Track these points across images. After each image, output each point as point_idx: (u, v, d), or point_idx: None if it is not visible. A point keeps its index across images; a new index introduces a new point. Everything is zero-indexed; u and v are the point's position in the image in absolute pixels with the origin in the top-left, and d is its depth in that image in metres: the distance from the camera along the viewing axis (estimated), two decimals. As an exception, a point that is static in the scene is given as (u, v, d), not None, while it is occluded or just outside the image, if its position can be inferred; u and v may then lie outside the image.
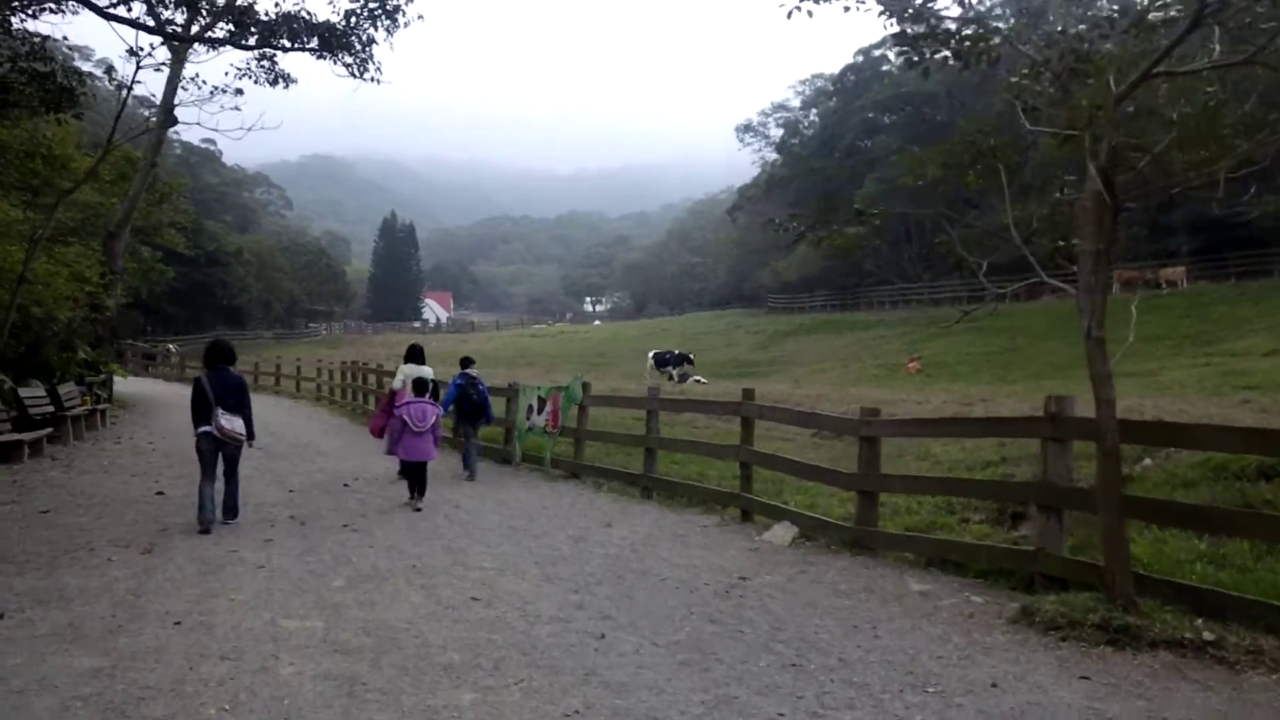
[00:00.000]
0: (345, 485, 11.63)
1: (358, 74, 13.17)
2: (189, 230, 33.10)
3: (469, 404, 12.56)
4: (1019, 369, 31.11)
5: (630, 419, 17.24)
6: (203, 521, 8.47)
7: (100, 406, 18.25)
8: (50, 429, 14.03)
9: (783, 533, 8.91)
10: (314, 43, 12.65)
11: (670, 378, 33.44)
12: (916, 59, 7.12)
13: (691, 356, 36.66)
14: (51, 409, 15.18)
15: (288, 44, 12.76)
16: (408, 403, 10.48)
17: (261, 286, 70.71)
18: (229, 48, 14.38)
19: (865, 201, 6.98)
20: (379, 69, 13.29)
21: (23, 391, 14.44)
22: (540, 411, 13.64)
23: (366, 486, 11.67)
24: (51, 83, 14.59)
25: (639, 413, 17.12)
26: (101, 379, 20.59)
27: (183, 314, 61.39)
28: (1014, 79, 7.35)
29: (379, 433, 12.65)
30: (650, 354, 37.48)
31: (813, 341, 50.06)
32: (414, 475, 10.26)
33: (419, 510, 9.84)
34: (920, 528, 9.06)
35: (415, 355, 13.23)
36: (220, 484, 8.93)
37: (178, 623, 5.51)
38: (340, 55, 12.75)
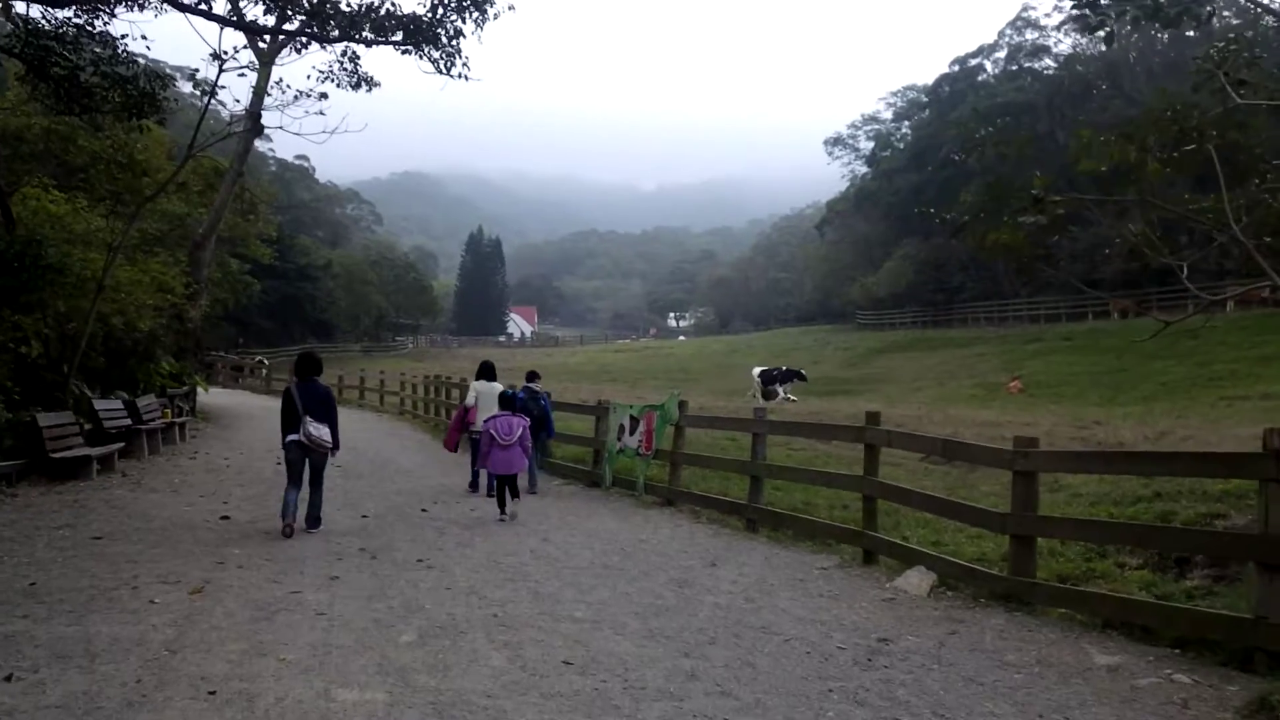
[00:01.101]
0: (423, 510, 10.71)
1: (444, 69, 12.36)
2: (276, 242, 33.09)
3: (530, 417, 11.78)
4: (1130, 390, 29.33)
5: (724, 440, 16.08)
6: (286, 526, 8.82)
7: (180, 420, 17.85)
8: (123, 444, 13.51)
9: (918, 580, 7.63)
10: (399, 35, 11.88)
11: (778, 396, 31.79)
12: (1096, 22, 5.83)
13: (803, 372, 34.73)
14: (129, 422, 14.73)
15: (371, 36, 12.02)
16: (493, 417, 10.40)
17: (350, 300, 71.50)
18: (312, 46, 13.77)
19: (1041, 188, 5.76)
20: (466, 64, 12.48)
21: (99, 404, 14.00)
22: (632, 432, 12.57)
23: (446, 512, 10.73)
24: (133, 87, 14.17)
25: (734, 434, 16.08)
26: (184, 391, 20.30)
27: (273, 326, 62.27)
28: (1214, 48, 6.02)
29: (453, 447, 13.32)
30: (755, 370, 35.69)
31: (905, 359, 48.35)
32: (502, 488, 10.25)
33: (504, 520, 9.97)
34: (1074, 576, 7.69)
35: (486, 372, 13.20)
36: (305, 492, 9.11)
37: (212, 692, 4.53)
38: (426, 49, 11.96)
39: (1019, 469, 7.02)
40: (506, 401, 10.95)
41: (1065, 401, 27.43)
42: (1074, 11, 5.63)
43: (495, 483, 10.45)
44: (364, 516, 10.06)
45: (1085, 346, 40.50)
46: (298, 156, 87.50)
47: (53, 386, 14.23)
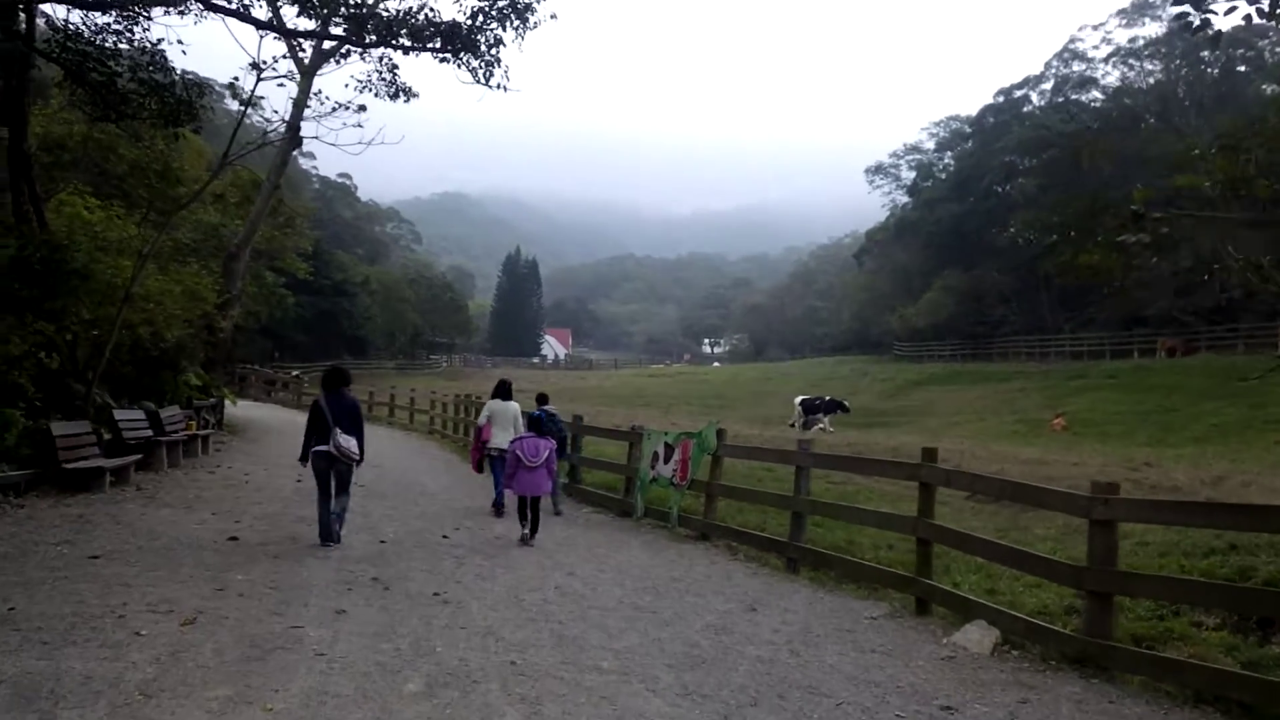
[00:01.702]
0: (444, 537, 10.14)
1: (483, 80, 11.95)
2: (313, 257, 32.93)
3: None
4: (1180, 430, 28.32)
5: (759, 470, 15.40)
6: (325, 537, 9.15)
7: (205, 432, 17.48)
8: (140, 455, 13.09)
9: (979, 636, 6.91)
10: (437, 42, 11.48)
11: (818, 426, 31.09)
12: (1197, 23, 5.19)
13: (846, 403, 33.99)
14: (150, 433, 14.35)
15: (408, 43, 11.63)
16: (520, 439, 10.32)
17: (386, 317, 71.61)
18: (351, 57, 13.44)
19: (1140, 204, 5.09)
20: (506, 74, 12.05)
21: (120, 414, 13.63)
22: (667, 460, 11.93)
23: (469, 539, 10.16)
24: (170, 95, 13.94)
25: (770, 465, 15.35)
26: (211, 403, 19.98)
27: (309, 341, 62.35)
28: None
29: (478, 467, 13.31)
30: (797, 400, 34.99)
31: (944, 392, 47.34)
32: (525, 508, 10.16)
33: (525, 543, 9.88)
34: (1150, 637, 6.95)
35: (502, 391, 13.07)
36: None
37: (183, 750, 3.98)
38: (465, 57, 11.54)
39: (1097, 517, 6.31)
40: (535, 423, 10.77)
41: (1111, 441, 26.58)
42: (1174, 9, 4.99)
43: (519, 503, 10.31)
44: (382, 541, 9.50)
45: (1131, 385, 39.45)
46: (340, 174, 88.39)
47: (75, 395, 13.90)
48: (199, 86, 13.56)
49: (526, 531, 10.08)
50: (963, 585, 8.37)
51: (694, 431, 11.79)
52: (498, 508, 12.15)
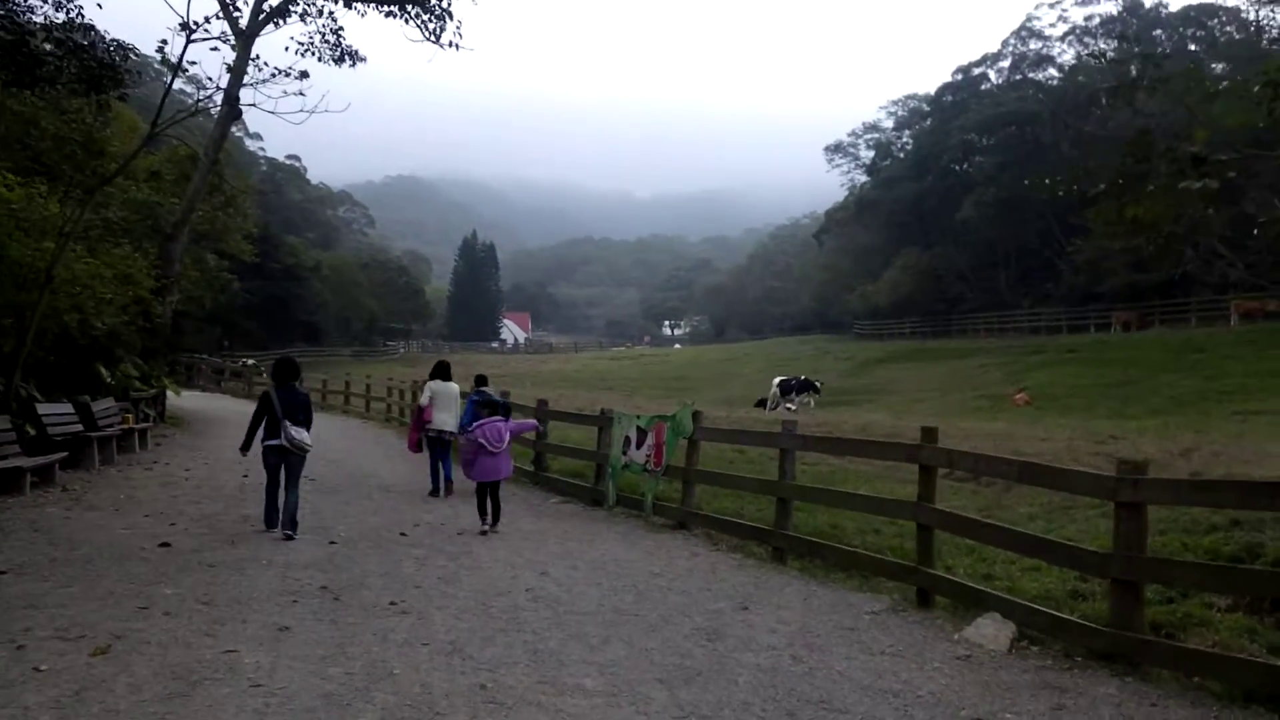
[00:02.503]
0: (403, 535, 9.31)
1: (434, 36, 11.04)
2: (258, 237, 31.59)
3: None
4: (1138, 403, 28.75)
5: (730, 453, 14.73)
6: (270, 531, 9.10)
7: (142, 425, 16.39)
8: (65, 453, 12.04)
9: (994, 631, 6.28)
10: (383, -5, 10.54)
11: (789, 407, 31.04)
12: None
13: (818, 384, 34.34)
14: (79, 428, 13.29)
15: (351, -4, 10.67)
16: (481, 424, 9.85)
17: (340, 303, 70.10)
18: (291, 14, 12.41)
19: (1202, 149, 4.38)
20: (459, 31, 11.14)
21: (44, 408, 12.55)
22: (640, 445, 11.19)
23: (430, 536, 9.34)
24: (90, 57, 12.84)
25: (742, 448, 14.69)
26: (152, 394, 18.84)
27: (260, 329, 60.72)
28: None
29: (416, 447, 13.08)
30: (775, 380, 35.01)
31: (906, 369, 47.49)
32: (484, 496, 9.76)
33: (485, 533, 9.48)
34: (1168, 622, 6.39)
35: (442, 371, 13.19)
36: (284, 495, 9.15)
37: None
38: (413, 10, 10.61)
39: (1124, 499, 5.68)
40: (495, 407, 10.23)
41: (1073, 414, 26.68)
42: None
43: (478, 491, 9.83)
44: (332, 543, 8.63)
45: (1090, 359, 40.00)
46: (289, 156, 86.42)
47: (-5, 389, 12.81)
48: (123, 49, 12.47)
49: (489, 521, 9.70)
50: (957, 570, 7.79)
51: (668, 415, 11.05)
52: (435, 491, 12.33)
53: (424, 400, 12.96)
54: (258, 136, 79.41)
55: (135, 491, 11.27)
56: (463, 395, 13.17)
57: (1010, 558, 8.36)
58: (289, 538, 8.80)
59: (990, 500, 11.80)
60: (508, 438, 9.84)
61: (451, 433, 12.59)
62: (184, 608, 6.07)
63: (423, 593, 6.83)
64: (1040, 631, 6.15)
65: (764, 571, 8.20)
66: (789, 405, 31.93)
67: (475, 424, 9.96)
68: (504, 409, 10.41)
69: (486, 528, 9.62)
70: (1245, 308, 40.50)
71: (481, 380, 13.18)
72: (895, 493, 12.49)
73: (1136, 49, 58.81)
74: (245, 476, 13.19)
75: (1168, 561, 6.06)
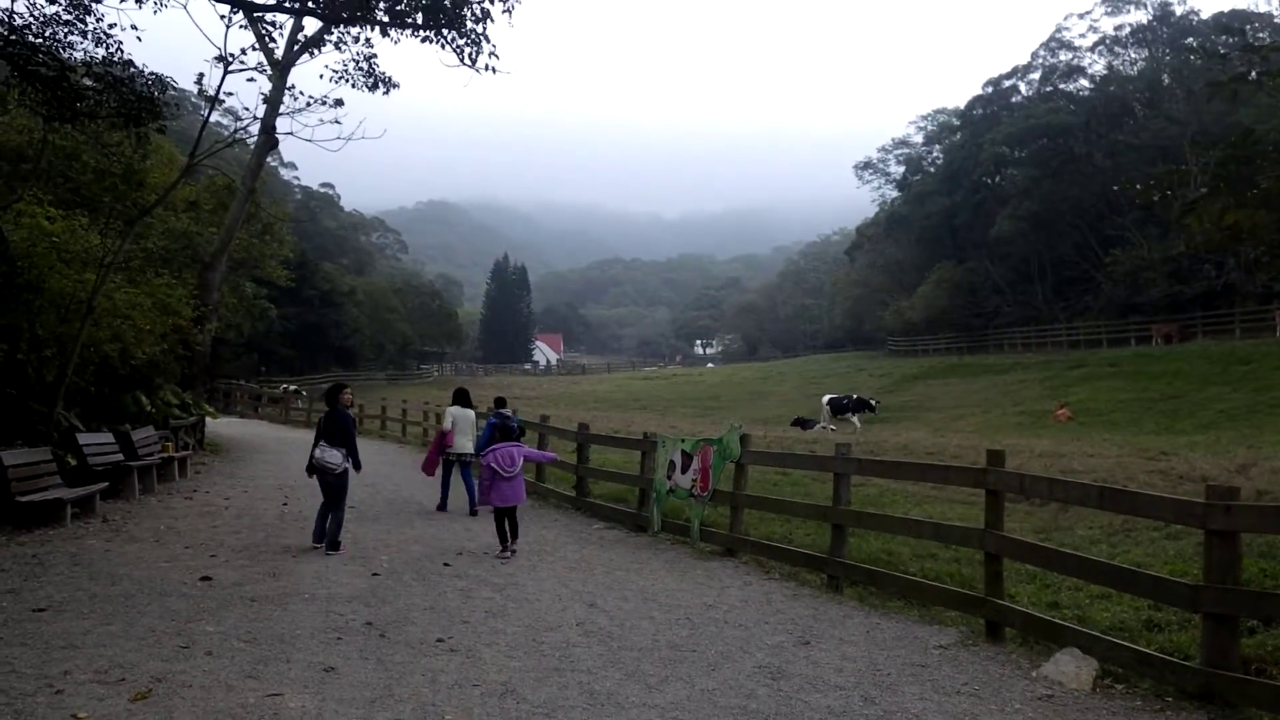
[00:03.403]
0: (446, 565, 9.08)
1: (470, 60, 10.90)
2: (299, 268, 31.76)
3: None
4: (1187, 417, 28.02)
5: (774, 476, 14.39)
6: (315, 540, 9.73)
7: (182, 454, 16.35)
8: (105, 484, 11.95)
9: (1075, 668, 5.92)
10: (418, 18, 10.42)
11: (834, 426, 30.40)
12: None
13: (874, 402, 33.43)
14: (120, 457, 13.24)
15: (386, 19, 10.58)
16: (494, 449, 9.90)
17: (374, 327, 70.49)
18: (326, 44, 12.37)
19: None
20: (494, 54, 10.99)
21: (84, 438, 12.50)
22: (685, 469, 10.91)
23: (474, 565, 9.10)
24: (129, 90, 12.86)
25: (787, 470, 14.31)
26: (191, 422, 18.84)
27: (296, 355, 61.18)
28: None
29: (432, 471, 13.70)
30: (826, 399, 34.33)
31: (944, 386, 46.77)
32: (503, 521, 9.78)
33: (505, 557, 9.50)
34: (1258, 657, 6.00)
35: (462, 398, 13.78)
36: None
37: None
38: (449, 35, 10.50)
39: (1216, 528, 5.32)
40: (508, 432, 10.28)
41: (1118, 430, 26.08)
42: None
43: (496, 517, 9.87)
44: (375, 575, 8.42)
45: (1133, 372, 39.15)
46: (323, 185, 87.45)
47: (37, 419, 12.80)
48: (161, 82, 12.47)
49: (511, 544, 9.76)
50: (1021, 598, 7.43)
51: (714, 438, 10.76)
52: (443, 505, 13.13)
53: (446, 425, 13.57)
54: (292, 166, 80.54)
55: (176, 522, 11.14)
56: (480, 417, 14.13)
57: (1076, 584, 7.99)
58: (328, 554, 9.35)
59: (1046, 521, 11.41)
60: (520, 462, 9.88)
61: (471, 455, 13.28)
62: (227, 646, 5.86)
63: (470, 628, 6.58)
64: (1124, 668, 5.79)
65: (821, 601, 7.88)
66: (827, 426, 31.44)
67: (488, 450, 10.00)
68: (518, 433, 10.49)
69: (509, 552, 9.66)
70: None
71: (500, 403, 13.59)
72: (947, 515, 12.17)
73: (1168, 56, 58.10)
74: (285, 505, 13.05)
75: (1265, 595, 5.66)
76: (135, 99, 13.00)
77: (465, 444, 13.36)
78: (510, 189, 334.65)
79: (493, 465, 9.70)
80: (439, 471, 13.61)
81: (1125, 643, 5.96)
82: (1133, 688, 5.63)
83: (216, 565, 8.52)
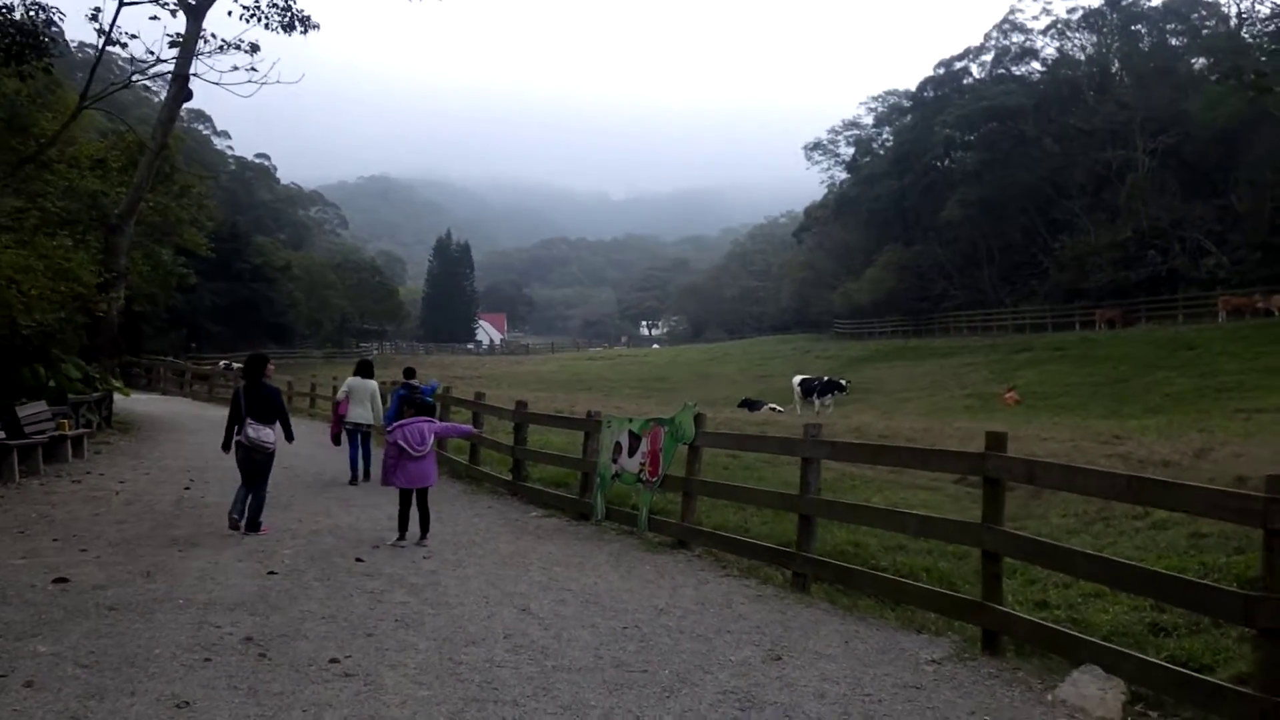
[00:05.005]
0: (359, 560, 7.92)
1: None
2: (224, 235, 29.98)
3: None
4: (1134, 401, 28.51)
5: (724, 458, 13.42)
6: (231, 522, 9.00)
7: (79, 431, 14.86)
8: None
9: (1099, 691, 4.99)
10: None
11: (816, 407, 29.88)
12: None
13: (844, 382, 32.98)
14: (1, 434, 11.81)
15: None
16: (402, 424, 8.94)
17: (312, 304, 68.28)
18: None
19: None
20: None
21: (-47, 414, 11.06)
22: (632, 453, 9.87)
23: (391, 561, 7.96)
24: (8, 21, 11.39)
25: (736, 453, 13.34)
26: (96, 398, 17.28)
27: (228, 330, 58.88)
28: None
29: (336, 440, 13.69)
30: (796, 379, 33.80)
31: (891, 369, 46.94)
32: (411, 504, 8.83)
33: (402, 545, 8.58)
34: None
35: (364, 369, 13.77)
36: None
37: None
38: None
39: (1275, 526, 4.40)
40: (421, 406, 9.44)
41: (1067, 413, 26.16)
42: None
43: (401, 499, 8.88)
44: (271, 573, 7.21)
45: (1079, 356, 39.80)
46: (258, 155, 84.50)
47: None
48: (43, 9, 10.99)
49: (417, 532, 8.83)
50: (1007, 597, 6.55)
51: (665, 418, 9.73)
52: (354, 479, 12.94)
53: (340, 395, 13.66)
54: (226, 135, 77.53)
55: (53, 509, 9.80)
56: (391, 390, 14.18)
57: (1064, 580, 7.17)
58: (245, 535, 8.84)
59: (1017, 508, 10.61)
60: (431, 440, 8.96)
61: (369, 425, 13.28)
62: (59, 671, 4.66)
63: (374, 643, 5.46)
64: (1157, 691, 4.88)
65: (788, 604, 6.91)
66: (768, 405, 30.77)
67: (395, 425, 9.06)
68: (430, 408, 9.76)
69: (404, 542, 8.69)
70: (1233, 303, 40.28)
71: (409, 373, 13.40)
72: (909, 501, 11.34)
73: (1116, 42, 58.44)
74: (187, 489, 11.76)
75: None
76: (17, 32, 11.53)
77: (361, 414, 13.26)
78: (456, 165, 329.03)
79: (400, 442, 8.74)
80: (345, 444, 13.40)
81: (1163, 662, 5.04)
82: (1166, 714, 4.75)
83: (83, 563, 7.25)
